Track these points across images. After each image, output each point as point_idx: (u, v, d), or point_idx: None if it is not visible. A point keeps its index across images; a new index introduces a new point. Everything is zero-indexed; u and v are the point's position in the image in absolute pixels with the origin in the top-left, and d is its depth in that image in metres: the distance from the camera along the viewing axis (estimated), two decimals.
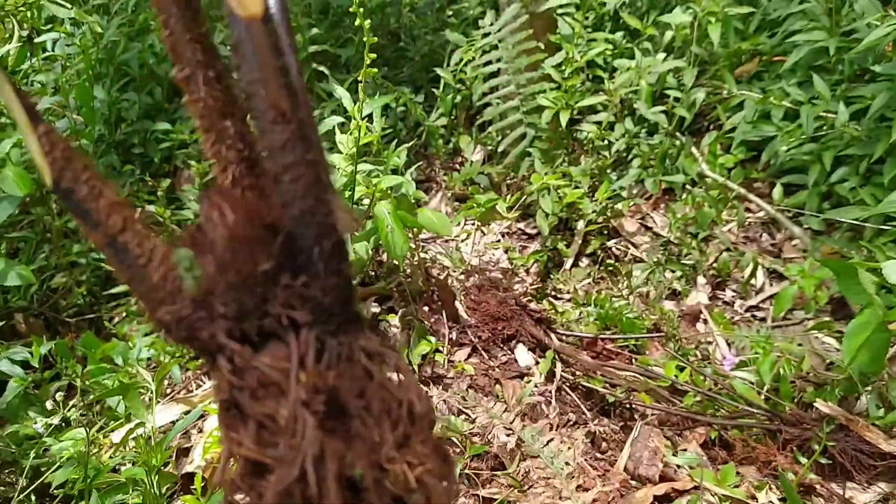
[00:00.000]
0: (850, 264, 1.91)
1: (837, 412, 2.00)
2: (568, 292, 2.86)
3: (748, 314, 2.74)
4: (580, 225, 3.05)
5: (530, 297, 2.80)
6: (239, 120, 0.50)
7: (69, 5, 2.60)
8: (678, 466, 2.04)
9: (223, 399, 0.45)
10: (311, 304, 0.45)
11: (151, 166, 2.97)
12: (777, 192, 2.92)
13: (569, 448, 1.73)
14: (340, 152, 2.04)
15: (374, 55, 1.84)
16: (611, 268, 2.93)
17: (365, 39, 1.79)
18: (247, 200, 0.48)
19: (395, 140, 3.18)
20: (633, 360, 2.49)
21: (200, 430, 1.99)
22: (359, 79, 2.01)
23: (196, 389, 2.06)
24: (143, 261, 0.47)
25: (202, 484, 1.79)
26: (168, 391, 2.10)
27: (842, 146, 2.67)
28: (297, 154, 0.43)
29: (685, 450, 2.06)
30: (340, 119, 2.16)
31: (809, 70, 2.86)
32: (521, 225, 3.22)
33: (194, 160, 2.73)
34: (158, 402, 1.93)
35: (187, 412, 1.87)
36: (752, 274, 2.77)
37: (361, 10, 1.79)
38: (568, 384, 2.39)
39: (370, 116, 2.33)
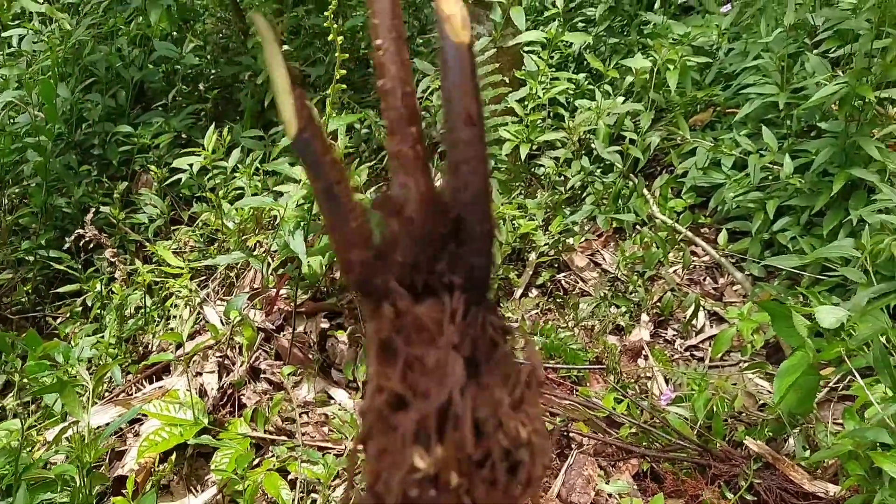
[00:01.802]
0: (785, 307, 1.99)
1: (765, 451, 2.07)
2: (516, 321, 2.91)
3: (687, 353, 2.81)
4: (532, 256, 3.11)
5: None
6: (419, 127, 0.62)
7: (40, 0, 2.60)
8: (609, 496, 2.08)
9: (381, 339, 0.53)
10: (466, 272, 0.52)
11: (109, 168, 2.96)
12: (722, 237, 3.02)
13: None
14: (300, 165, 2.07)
15: (343, 71, 1.89)
16: (559, 300, 2.99)
17: (337, 55, 1.84)
18: (429, 179, 0.59)
19: (358, 161, 3.22)
20: (575, 391, 2.53)
21: (136, 434, 1.97)
22: (328, 93, 2.06)
23: (136, 393, 2.04)
24: (346, 209, 0.56)
25: (133, 487, 1.78)
26: (108, 393, 2.08)
27: (785, 197, 2.78)
28: (477, 150, 0.52)
29: (618, 479, 2.11)
30: None
31: (760, 123, 2.98)
32: None
33: (153, 165, 2.73)
34: (96, 402, 1.92)
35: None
36: (694, 314, 2.85)
37: (335, 25, 1.83)
38: None
39: (334, 134, 2.37)
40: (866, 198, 2.50)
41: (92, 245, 2.40)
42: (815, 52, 2.99)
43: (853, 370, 1.70)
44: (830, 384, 2.30)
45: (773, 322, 2.06)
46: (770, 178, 2.86)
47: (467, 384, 0.50)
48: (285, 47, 3.31)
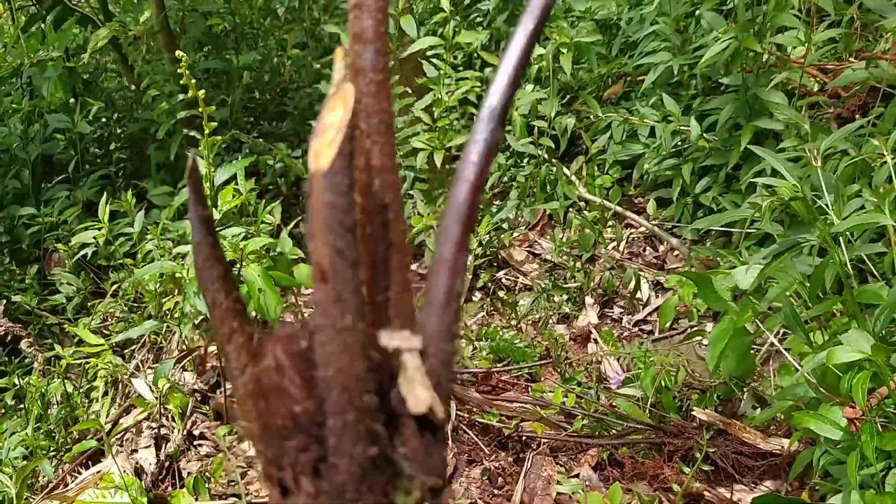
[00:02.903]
0: (705, 274, 1.98)
1: (714, 418, 2.06)
2: (461, 328, 2.88)
3: (636, 329, 2.80)
4: (469, 260, 3.08)
5: None
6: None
7: None
8: (572, 493, 2.06)
9: None
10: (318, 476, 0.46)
11: (21, 253, 2.88)
12: (651, 206, 3.02)
13: (466, 479, 1.73)
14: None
15: (214, 124, 1.84)
16: (503, 298, 2.96)
17: (201, 109, 1.79)
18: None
19: (276, 196, 3.17)
20: (530, 389, 2.51)
21: None
22: (221, 144, 2.01)
23: (73, 482, 1.98)
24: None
25: None
26: (42, 489, 2.01)
27: (702, 157, 2.78)
28: (332, 317, 0.44)
29: (577, 475, 2.09)
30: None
31: (667, 87, 2.97)
32: (413, 266, 3.24)
33: (62, 242, 2.66)
34: (30, 500, 1.85)
35: None
36: (637, 288, 2.84)
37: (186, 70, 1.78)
38: (464, 422, 2.39)
39: (234, 180, 2.32)
40: (776, 146, 2.50)
41: (9, 338, 2.33)
42: (707, 7, 2.99)
43: (770, 337, 1.69)
44: (769, 340, 2.29)
45: (699, 290, 2.04)
46: (681, 142, 2.86)
47: None
48: (181, 95, 3.25)
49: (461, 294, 0.52)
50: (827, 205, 1.67)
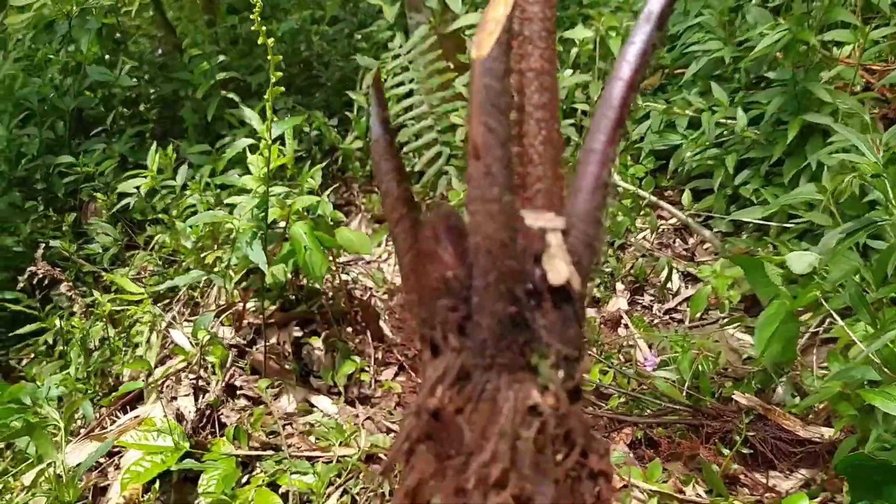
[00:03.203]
0: (756, 259, 1.98)
1: (755, 402, 2.06)
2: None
3: (666, 317, 2.80)
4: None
5: None
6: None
7: None
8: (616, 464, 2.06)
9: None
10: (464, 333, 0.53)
11: (56, 202, 2.86)
12: (686, 197, 3.01)
13: None
14: (251, 174, 2.01)
15: (279, 73, 1.83)
16: None
17: (269, 57, 1.78)
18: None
19: (311, 163, 3.16)
20: None
21: (118, 468, 1.90)
22: (266, 108, 2.00)
23: (111, 426, 1.97)
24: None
25: None
26: (82, 430, 2.00)
27: (743, 150, 2.78)
28: (481, 189, 0.49)
29: (613, 450, 2.09)
30: (251, 141, 2.12)
31: (709, 80, 2.97)
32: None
33: (100, 192, 2.65)
34: (70, 440, 1.84)
35: None
36: (668, 278, 2.84)
37: (264, 28, 1.77)
38: None
39: (282, 139, 2.30)
40: (822, 141, 2.50)
41: (47, 281, 2.32)
42: (754, 2, 2.99)
43: (833, 313, 1.69)
44: (811, 329, 2.30)
45: (747, 275, 2.04)
46: (725, 133, 2.86)
47: (420, 463, 0.52)
48: (222, 57, 3.24)
49: (608, 184, 0.58)
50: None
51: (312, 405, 2.16)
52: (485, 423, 0.53)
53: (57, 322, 2.21)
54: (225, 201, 2.09)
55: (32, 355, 2.42)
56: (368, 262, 3.06)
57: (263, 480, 1.78)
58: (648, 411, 2.21)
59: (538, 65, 0.65)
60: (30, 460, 1.78)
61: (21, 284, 2.30)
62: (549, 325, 0.56)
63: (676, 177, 3.16)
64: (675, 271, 2.88)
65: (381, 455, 1.97)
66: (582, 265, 0.58)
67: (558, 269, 0.54)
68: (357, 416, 2.15)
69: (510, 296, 0.54)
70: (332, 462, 1.90)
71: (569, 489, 0.56)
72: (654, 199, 3.09)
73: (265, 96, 1.84)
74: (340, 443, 1.93)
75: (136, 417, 1.97)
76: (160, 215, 2.53)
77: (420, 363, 0.58)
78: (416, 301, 0.59)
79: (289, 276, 2.35)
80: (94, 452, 1.43)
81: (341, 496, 1.80)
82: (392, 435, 2.10)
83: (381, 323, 2.54)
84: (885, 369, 1.45)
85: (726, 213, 2.87)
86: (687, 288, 2.91)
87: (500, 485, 0.51)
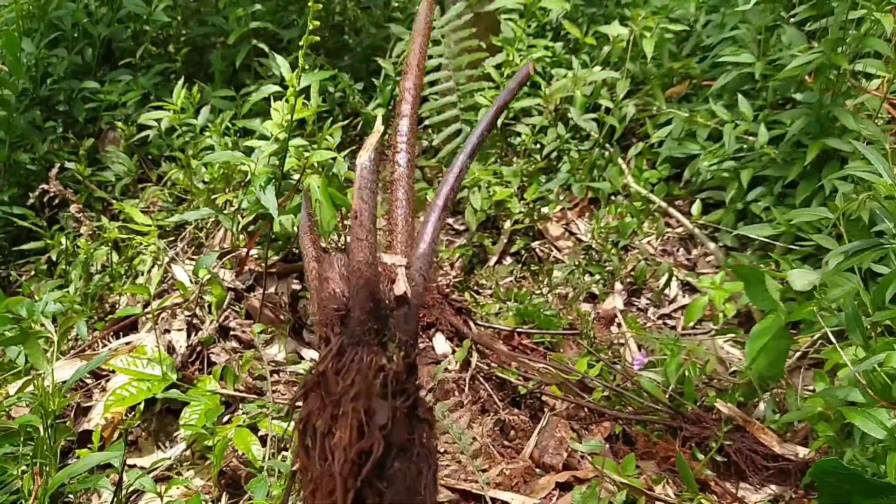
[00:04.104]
0: (757, 271, 2.00)
1: (736, 413, 2.08)
2: (490, 288, 2.89)
3: (660, 321, 2.82)
4: (507, 224, 3.09)
5: (452, 289, 2.82)
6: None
7: None
8: (582, 457, 2.08)
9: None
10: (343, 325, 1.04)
11: (75, 126, 2.88)
12: (696, 207, 3.02)
13: (478, 426, 1.75)
14: (272, 119, 2.02)
15: (317, 22, 1.84)
16: (534, 268, 2.97)
17: (310, 4, 1.79)
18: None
19: (331, 123, 3.17)
20: (548, 357, 2.53)
21: (103, 390, 1.93)
22: (299, 57, 2.01)
23: (103, 349, 2.00)
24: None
25: (99, 441, 1.74)
26: (73, 349, 2.03)
27: (759, 167, 2.79)
28: (357, 234, 1.02)
29: (590, 440, 2.11)
30: (277, 88, 2.14)
31: (735, 93, 2.97)
32: (450, 220, 3.25)
33: (121, 122, 2.66)
34: (60, 356, 1.87)
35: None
36: (667, 284, 2.86)
37: None
38: (482, 374, 2.41)
39: (307, 93, 2.32)
40: (839, 168, 2.51)
41: (57, 202, 2.34)
42: (792, 22, 2.99)
43: (828, 331, 1.71)
44: (801, 350, 2.31)
45: (746, 287, 2.06)
46: (745, 148, 2.87)
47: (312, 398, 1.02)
48: (257, 5, 3.24)
49: (437, 237, 1.17)
50: None
51: (301, 357, 2.18)
52: (352, 375, 0.96)
53: (63, 241, 2.23)
54: (244, 145, 2.10)
55: (33, 272, 2.45)
56: (377, 230, 3.08)
57: (244, 421, 1.80)
58: (629, 408, 2.23)
59: (404, 164, 1.34)
60: (17, 369, 1.81)
61: (31, 201, 2.32)
62: (395, 321, 1.04)
63: (689, 186, 3.17)
64: (674, 278, 2.90)
65: None
66: (418, 287, 1.12)
67: (400, 287, 1.05)
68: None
69: (372, 297, 1.00)
70: None
71: (402, 421, 0.98)
72: (664, 205, 3.10)
73: (300, 43, 1.85)
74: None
75: (128, 344, 2.00)
76: (176, 153, 2.55)
77: (319, 350, 0.99)
78: (317, 308, 1.04)
79: (296, 228, 2.37)
80: (82, 367, 1.45)
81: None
82: None
83: None
84: (870, 392, 1.47)
85: (734, 227, 2.88)
86: (684, 296, 2.93)
87: (356, 399, 0.93)
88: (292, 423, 1.83)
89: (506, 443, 2.17)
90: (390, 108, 3.47)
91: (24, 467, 1.52)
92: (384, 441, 0.92)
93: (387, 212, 1.26)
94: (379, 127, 1.17)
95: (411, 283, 1.06)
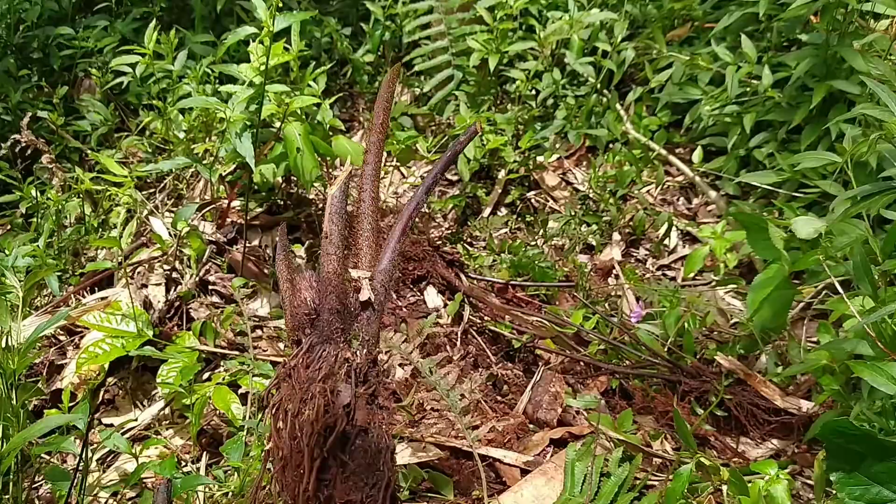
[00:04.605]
0: (761, 218, 1.90)
1: (737, 366, 2.01)
2: (483, 239, 2.81)
3: (659, 273, 2.74)
4: (501, 174, 2.99)
5: (444, 242, 2.73)
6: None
7: None
8: (577, 412, 2.02)
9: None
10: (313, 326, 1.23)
11: (51, 74, 2.76)
12: (697, 155, 2.91)
13: (470, 381, 1.68)
14: (249, 64, 1.91)
15: None
16: (529, 218, 2.88)
17: None
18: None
19: (315, 65, 3.06)
20: (543, 310, 2.45)
21: (77, 347, 1.86)
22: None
23: (77, 306, 1.92)
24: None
25: (71, 400, 1.67)
26: (47, 306, 1.95)
27: (763, 112, 2.68)
28: (327, 249, 1.40)
29: (585, 395, 2.04)
30: (254, 30, 2.02)
31: (739, 35, 2.85)
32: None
33: (97, 70, 2.54)
34: (30, 312, 1.79)
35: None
36: (667, 234, 2.77)
37: None
38: (475, 328, 2.34)
39: (288, 35, 2.20)
40: (846, 111, 2.40)
41: (30, 152, 2.24)
42: None
43: (834, 281, 1.62)
44: (804, 301, 2.23)
45: (749, 235, 1.97)
46: (748, 92, 2.75)
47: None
48: None
49: (396, 259, 1.48)
50: None
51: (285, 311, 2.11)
52: (318, 367, 1.08)
53: (33, 192, 2.13)
54: (221, 91, 2.00)
55: (9, 227, 2.36)
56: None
57: (224, 378, 1.73)
58: (627, 362, 2.16)
59: (368, 201, 1.64)
60: None
61: (3, 152, 2.22)
62: (359, 322, 1.26)
63: (690, 133, 3.06)
64: (674, 228, 2.81)
65: None
66: (379, 297, 1.31)
67: (364, 294, 1.26)
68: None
69: (339, 301, 1.26)
70: None
71: (364, 406, 1.08)
72: (663, 152, 2.99)
73: None
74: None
75: (103, 299, 1.92)
76: (154, 101, 2.44)
77: (291, 352, 1.12)
78: (289, 314, 1.20)
79: (279, 179, 2.27)
80: (43, 323, 1.37)
81: None
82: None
83: None
84: (879, 345, 1.39)
85: (736, 175, 2.78)
86: (684, 247, 2.84)
87: (323, 382, 1.06)
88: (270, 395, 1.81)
89: (499, 398, 2.11)
90: (379, 54, 3.35)
91: None
92: (347, 419, 1.06)
93: (354, 240, 1.55)
94: (349, 165, 1.55)
95: (374, 293, 1.28)
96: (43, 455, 1.57)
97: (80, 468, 1.34)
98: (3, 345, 1.40)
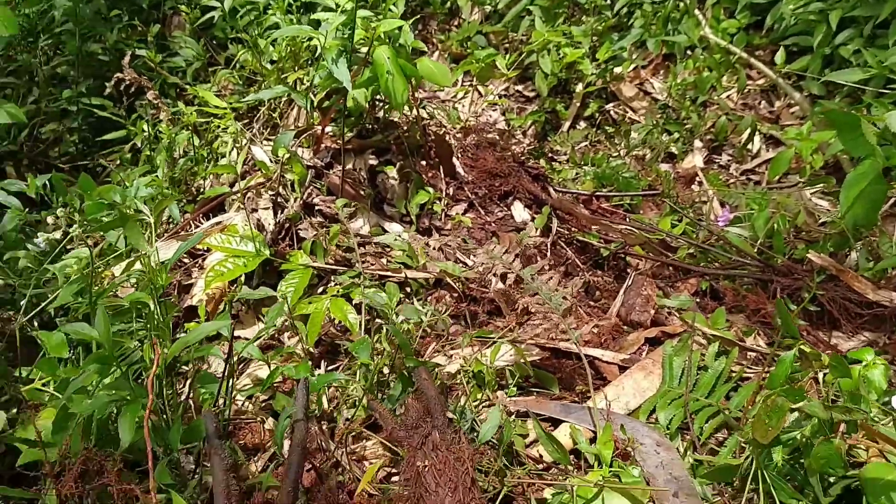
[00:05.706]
0: (852, 115, 1.90)
1: (829, 263, 2.04)
2: (565, 153, 2.85)
3: (743, 177, 2.75)
4: (579, 87, 3.01)
5: (528, 157, 2.79)
6: None
7: None
8: (669, 313, 2.09)
9: None
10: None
11: (140, 13, 2.86)
12: (779, 56, 2.87)
13: (563, 288, 1.76)
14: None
15: None
16: (609, 131, 2.91)
17: None
18: None
19: None
20: (628, 219, 2.50)
21: (201, 268, 2.00)
22: None
23: (194, 230, 2.06)
24: None
25: (205, 315, 1.82)
26: (167, 232, 2.10)
27: (848, 8, 2.62)
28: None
29: (677, 296, 2.11)
30: None
31: None
32: (520, 87, 3.17)
33: (185, 6, 2.63)
34: (158, 238, 1.93)
35: None
36: (750, 138, 2.77)
37: None
38: (563, 239, 2.41)
39: None
40: None
41: (133, 90, 2.36)
42: None
43: None
44: (895, 197, 2.23)
45: (839, 133, 1.96)
46: None
47: None
48: None
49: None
50: None
51: (385, 230, 2.21)
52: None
53: (145, 128, 2.26)
54: (311, 18, 2.06)
55: (118, 161, 2.51)
56: (444, 101, 3.04)
57: (338, 292, 1.85)
58: (716, 264, 2.21)
59: None
60: (118, 252, 1.87)
61: (108, 91, 2.34)
62: None
63: (771, 34, 3.00)
64: (757, 132, 2.80)
65: (448, 280, 2.02)
66: None
67: None
68: (427, 244, 2.20)
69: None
70: (402, 283, 1.97)
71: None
72: (744, 55, 2.95)
73: None
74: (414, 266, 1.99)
75: (218, 223, 2.05)
76: (242, 34, 2.52)
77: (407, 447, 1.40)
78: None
79: (368, 102, 2.35)
80: (183, 244, 1.50)
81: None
82: (460, 264, 2.15)
83: (454, 160, 2.54)
84: None
85: (821, 74, 2.74)
86: (768, 150, 2.83)
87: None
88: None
89: (591, 303, 2.19)
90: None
91: (136, 342, 1.61)
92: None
93: None
94: None
95: None
96: (184, 365, 1.73)
97: (226, 372, 1.49)
98: (148, 264, 1.53)
